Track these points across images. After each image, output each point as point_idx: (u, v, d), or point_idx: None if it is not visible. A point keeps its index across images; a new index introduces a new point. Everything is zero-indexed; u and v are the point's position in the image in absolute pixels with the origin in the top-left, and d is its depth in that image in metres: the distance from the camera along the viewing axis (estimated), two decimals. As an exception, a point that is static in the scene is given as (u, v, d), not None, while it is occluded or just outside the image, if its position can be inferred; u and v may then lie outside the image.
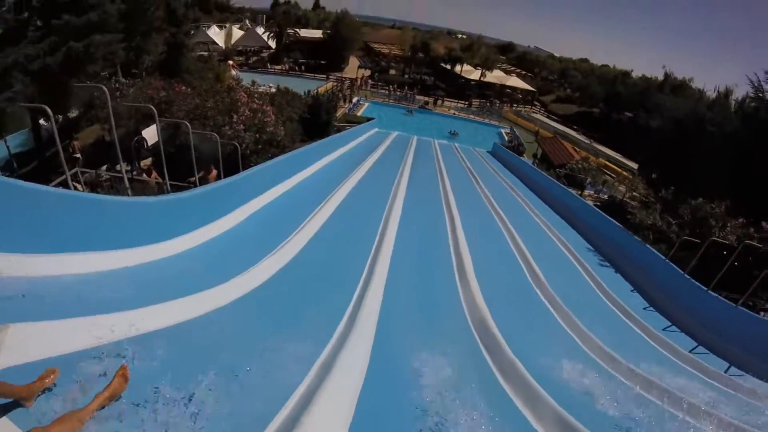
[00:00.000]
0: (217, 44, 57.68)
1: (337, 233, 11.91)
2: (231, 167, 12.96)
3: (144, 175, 12.70)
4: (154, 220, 7.87)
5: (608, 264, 14.92)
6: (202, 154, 12.56)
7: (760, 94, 21.11)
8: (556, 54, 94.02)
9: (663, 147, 23.56)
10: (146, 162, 14.37)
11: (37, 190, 5.52)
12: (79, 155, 14.90)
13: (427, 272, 10.76)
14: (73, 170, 10.84)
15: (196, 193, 9.18)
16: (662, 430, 6.17)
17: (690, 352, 9.72)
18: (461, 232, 13.78)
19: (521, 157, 34.16)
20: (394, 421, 5.20)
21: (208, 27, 60.89)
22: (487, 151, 37.87)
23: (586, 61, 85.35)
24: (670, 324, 11.26)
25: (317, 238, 11.18)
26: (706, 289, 11.35)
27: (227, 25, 66.78)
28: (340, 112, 36.41)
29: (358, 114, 41.87)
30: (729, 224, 14.03)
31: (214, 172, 12.43)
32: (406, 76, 67.90)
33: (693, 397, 7.26)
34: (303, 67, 60.50)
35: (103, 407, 3.45)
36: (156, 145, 11.77)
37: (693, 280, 11.88)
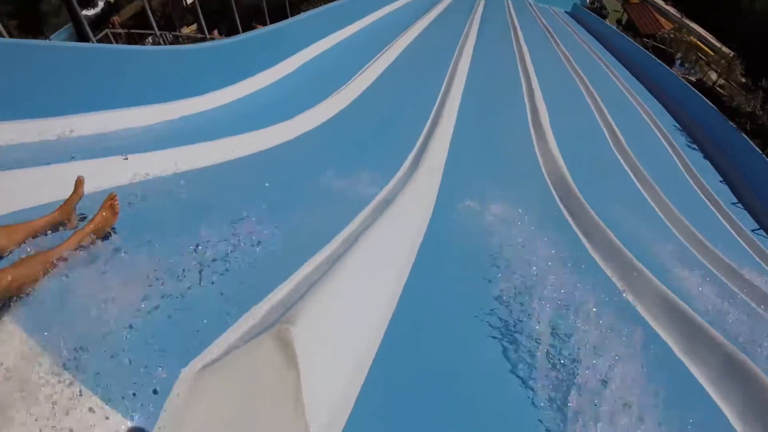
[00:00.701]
0: None
1: (401, 78, 10.89)
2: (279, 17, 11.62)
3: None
4: (193, 69, 6.96)
5: (697, 147, 13.48)
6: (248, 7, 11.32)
7: None
8: None
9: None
10: (192, 29, 13.22)
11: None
12: (120, 31, 13.84)
13: (500, 124, 9.85)
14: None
15: (235, 40, 8.09)
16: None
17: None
18: (536, 85, 12.49)
19: (605, 21, 30.58)
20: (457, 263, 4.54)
21: None
22: (566, 12, 34.24)
23: None
24: (758, 227, 10.10)
25: (378, 82, 10.21)
26: None
27: None
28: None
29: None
30: None
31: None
32: None
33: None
34: None
35: (82, 245, 2.74)
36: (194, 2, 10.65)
37: None
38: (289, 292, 3.03)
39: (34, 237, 2.72)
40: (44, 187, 3.23)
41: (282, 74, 8.98)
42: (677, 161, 11.64)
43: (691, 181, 10.87)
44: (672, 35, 25.76)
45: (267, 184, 4.67)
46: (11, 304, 2.32)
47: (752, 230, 9.66)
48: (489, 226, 5.24)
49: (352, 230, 4.10)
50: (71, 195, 3.00)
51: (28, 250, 2.59)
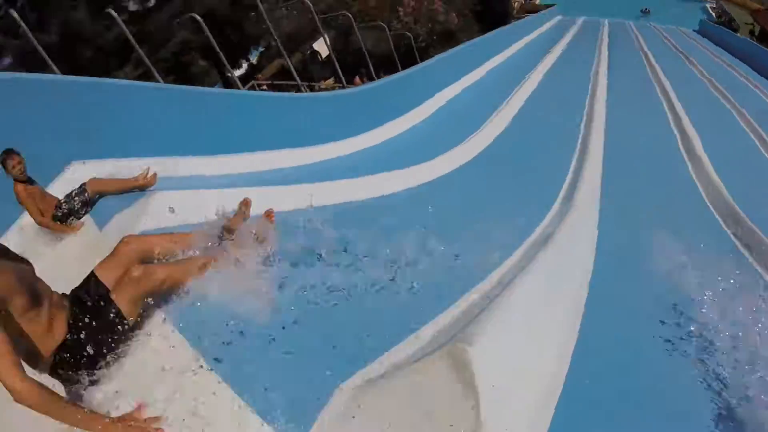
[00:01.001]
0: None
1: (538, 115, 11.18)
2: (408, 63, 12.29)
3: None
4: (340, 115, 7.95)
5: None
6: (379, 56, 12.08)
7: None
8: None
9: None
10: (329, 82, 14.31)
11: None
12: (265, 87, 15.37)
13: (649, 153, 9.56)
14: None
15: (371, 87, 8.89)
16: None
17: None
18: (682, 112, 12.02)
19: (737, 34, 28.93)
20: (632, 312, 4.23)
21: None
22: (694, 30, 32.56)
23: None
24: None
25: (517, 121, 10.51)
26: None
27: None
28: (516, 4, 33.85)
29: (537, 2, 37.96)
30: None
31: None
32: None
33: None
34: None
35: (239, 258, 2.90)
36: (329, 56, 11.61)
37: None
38: (456, 317, 3.00)
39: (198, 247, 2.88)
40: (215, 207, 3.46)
41: (418, 119, 9.58)
42: None
43: None
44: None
45: (430, 209, 4.86)
46: (166, 302, 2.51)
47: None
48: (657, 260, 4.89)
49: (514, 262, 4.13)
50: (237, 215, 3.27)
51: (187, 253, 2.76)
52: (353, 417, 2.00)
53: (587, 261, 4.84)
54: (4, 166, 3.37)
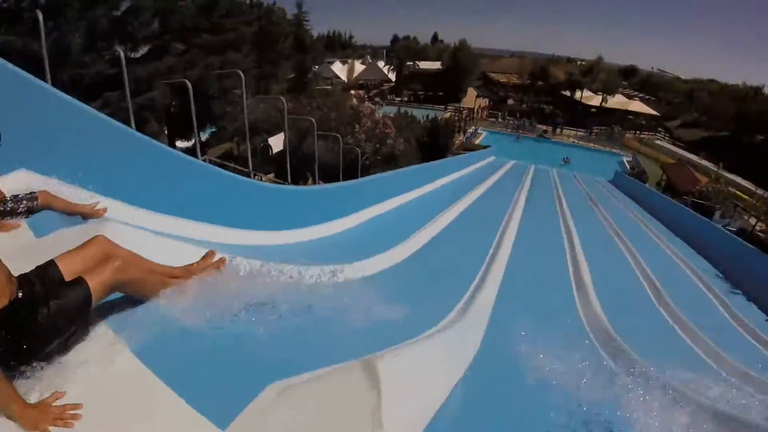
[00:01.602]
0: (340, 78, 60.76)
1: (453, 239, 12.28)
2: (350, 176, 13.64)
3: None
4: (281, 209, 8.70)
5: (740, 292, 13.95)
6: (325, 163, 13.30)
7: None
8: (682, 76, 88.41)
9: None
10: (269, 177, 15.32)
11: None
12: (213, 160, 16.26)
13: (543, 281, 10.69)
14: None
15: (315, 189, 9.90)
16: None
17: None
18: (580, 250, 13.44)
19: (645, 185, 32.77)
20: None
21: (332, 62, 64.32)
22: (609, 180, 36.61)
23: (714, 81, 79.38)
24: None
25: (434, 241, 11.54)
26: None
27: (350, 61, 69.92)
28: (457, 142, 37.15)
29: (476, 143, 42.37)
30: None
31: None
32: (524, 105, 67.26)
33: None
34: (422, 97, 61.84)
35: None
36: (280, 153, 12.66)
37: None
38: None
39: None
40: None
41: (354, 223, 10.68)
42: (722, 309, 12.03)
43: (736, 325, 11.17)
44: (710, 188, 26.81)
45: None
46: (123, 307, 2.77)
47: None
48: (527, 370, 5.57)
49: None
50: (206, 261, 3.50)
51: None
52: (277, 410, 2.22)
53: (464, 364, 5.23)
54: None
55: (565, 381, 4.39)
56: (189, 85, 8.38)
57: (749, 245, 15.94)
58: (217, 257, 3.59)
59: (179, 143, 19.66)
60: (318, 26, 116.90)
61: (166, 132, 20.05)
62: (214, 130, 22.79)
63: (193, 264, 3.43)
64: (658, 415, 3.75)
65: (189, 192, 6.19)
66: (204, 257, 3.55)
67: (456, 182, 21.88)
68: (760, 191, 26.94)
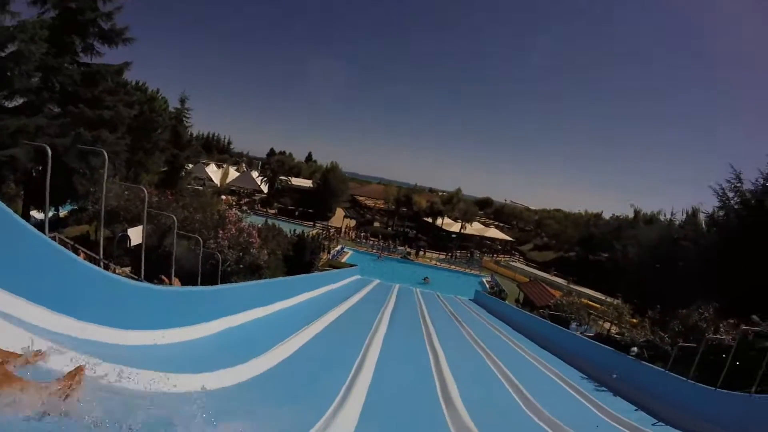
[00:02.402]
0: (213, 181, 60.46)
1: (315, 355, 11.46)
2: (210, 282, 12.78)
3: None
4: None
5: (605, 389, 14.22)
6: (183, 265, 12.41)
7: (726, 201, 21.95)
8: (531, 207, 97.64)
9: (642, 274, 23.89)
10: (124, 270, 14.03)
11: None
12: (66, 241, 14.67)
13: (410, 398, 10.19)
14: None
15: (171, 291, 9.27)
16: None
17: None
18: (445, 365, 13.11)
19: (504, 302, 34.16)
20: None
21: (207, 164, 63.90)
22: (470, 299, 37.89)
23: (559, 210, 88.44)
24: None
25: (293, 357, 10.71)
26: (714, 388, 10.93)
27: (225, 165, 69.91)
28: (323, 258, 37.01)
29: (342, 261, 42.61)
30: (721, 325, 14.04)
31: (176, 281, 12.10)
32: (390, 228, 69.80)
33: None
34: (297, 213, 62.38)
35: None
36: (138, 246, 11.66)
37: (699, 384, 11.52)
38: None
39: None
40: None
41: (213, 331, 9.99)
42: (590, 407, 12.04)
43: (608, 420, 11.15)
44: (563, 301, 28.47)
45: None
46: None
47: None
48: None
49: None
50: (73, 378, 3.32)
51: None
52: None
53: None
54: None
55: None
56: (48, 150, 7.43)
57: (605, 346, 16.56)
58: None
59: (34, 213, 18.15)
60: (199, 125, 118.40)
61: (22, 196, 18.32)
62: (75, 208, 21.07)
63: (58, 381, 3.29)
64: None
65: (28, 269, 5.48)
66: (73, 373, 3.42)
67: (321, 297, 21.24)
68: (609, 299, 29.04)
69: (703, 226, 25.42)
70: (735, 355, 11.14)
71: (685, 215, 29.46)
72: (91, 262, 10.10)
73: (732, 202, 22.16)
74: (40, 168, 16.00)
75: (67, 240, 13.07)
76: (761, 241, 18.42)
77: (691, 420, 11.12)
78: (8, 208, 5.08)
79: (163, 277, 11.24)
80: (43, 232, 5.99)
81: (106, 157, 9.30)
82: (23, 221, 5.42)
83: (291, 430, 6.32)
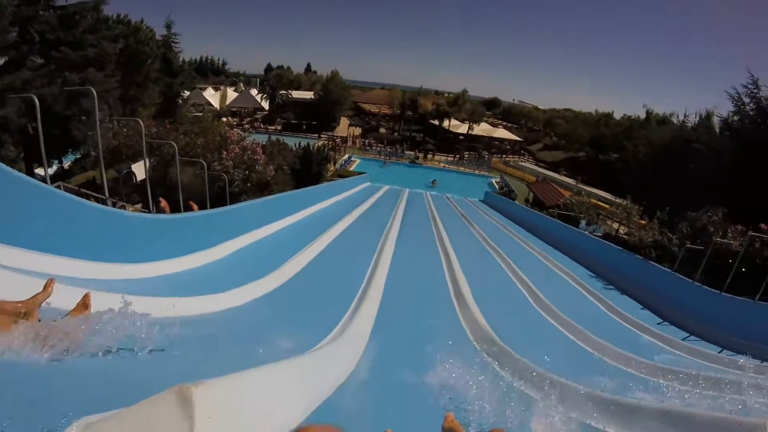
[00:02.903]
0: (212, 105, 59.36)
1: (329, 263, 11.75)
2: (220, 204, 12.81)
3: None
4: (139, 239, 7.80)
5: (612, 287, 14.54)
6: (191, 190, 12.39)
7: (742, 107, 21.48)
8: (540, 107, 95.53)
9: (653, 175, 23.65)
10: (137, 207, 14.09)
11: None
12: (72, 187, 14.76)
13: (424, 296, 10.50)
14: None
15: (179, 218, 9.35)
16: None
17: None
18: (457, 264, 13.34)
19: (514, 202, 34.24)
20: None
21: (204, 89, 62.51)
22: (480, 200, 38.01)
23: (569, 110, 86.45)
24: (688, 335, 10.86)
25: (309, 266, 10.96)
26: (719, 292, 11.09)
27: (222, 87, 68.43)
28: (331, 169, 36.92)
29: (350, 169, 42.54)
30: (729, 230, 13.99)
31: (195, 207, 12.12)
32: (396, 133, 68.99)
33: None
34: (304, 126, 61.76)
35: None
36: (144, 181, 11.62)
37: (705, 287, 11.66)
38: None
39: None
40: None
41: (226, 252, 10.10)
42: (597, 303, 12.42)
43: (614, 317, 11.53)
44: (573, 200, 28.48)
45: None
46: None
47: (683, 338, 10.43)
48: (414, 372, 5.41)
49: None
50: (39, 294, 3.14)
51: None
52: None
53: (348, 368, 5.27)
54: None
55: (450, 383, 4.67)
56: (36, 100, 7.22)
57: (614, 245, 16.78)
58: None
59: (38, 170, 17.85)
60: (190, 51, 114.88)
61: (23, 157, 18.33)
62: (78, 156, 21.08)
63: (37, 295, 3.11)
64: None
65: (33, 221, 5.45)
66: (44, 287, 3.19)
67: (333, 207, 21.29)
68: (618, 200, 29.02)
69: (717, 129, 25.02)
70: (741, 261, 11.23)
71: (698, 118, 28.90)
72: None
73: (747, 108, 21.67)
74: (34, 124, 15.74)
75: (73, 187, 13.03)
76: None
77: (694, 321, 11.35)
78: (6, 166, 5.00)
79: (161, 198, 11.20)
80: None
81: (95, 95, 9.13)
82: (23, 175, 5.38)
83: (311, 337, 6.38)
